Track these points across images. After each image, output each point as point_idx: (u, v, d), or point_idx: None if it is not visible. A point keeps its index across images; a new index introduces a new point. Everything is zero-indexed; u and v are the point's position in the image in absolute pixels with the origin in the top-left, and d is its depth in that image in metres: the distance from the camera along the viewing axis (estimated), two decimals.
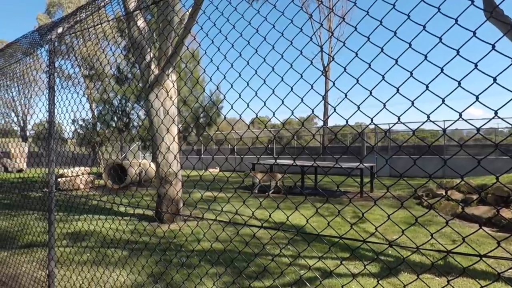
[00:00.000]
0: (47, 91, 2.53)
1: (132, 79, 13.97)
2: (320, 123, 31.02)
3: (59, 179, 12.02)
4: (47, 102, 2.48)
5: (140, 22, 6.00)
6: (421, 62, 1.13)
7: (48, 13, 33.41)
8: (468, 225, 5.94)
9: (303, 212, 6.78)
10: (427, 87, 1.10)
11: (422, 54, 1.12)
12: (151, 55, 6.05)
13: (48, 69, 2.34)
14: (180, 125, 13.97)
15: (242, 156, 17.74)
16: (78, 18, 2.40)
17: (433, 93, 1.11)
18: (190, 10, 5.75)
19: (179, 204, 6.36)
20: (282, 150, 19.56)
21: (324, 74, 25.99)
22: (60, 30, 2.32)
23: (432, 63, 1.10)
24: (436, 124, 0.99)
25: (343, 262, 4.01)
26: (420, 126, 1.54)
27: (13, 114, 39.82)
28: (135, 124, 16.24)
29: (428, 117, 1.10)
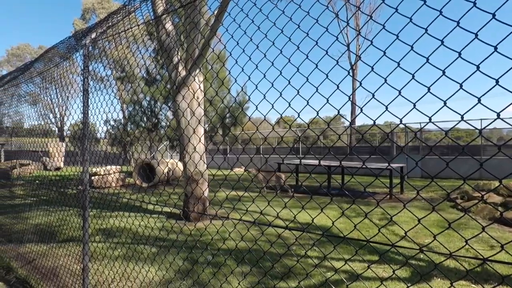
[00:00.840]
0: (82, 94, 2.67)
1: (160, 81, 14.39)
2: (348, 122, 30.40)
3: (92, 177, 12.62)
4: (82, 104, 2.61)
5: (168, 25, 6.17)
6: (455, 60, 1.07)
7: (83, 18, 35.19)
8: (508, 230, 5.58)
9: (329, 213, 6.68)
10: (461, 86, 1.05)
11: (456, 52, 1.06)
12: (178, 57, 6.19)
13: (82, 72, 2.46)
14: (206, 125, 14.21)
15: (267, 157, 17.74)
16: (110, 23, 2.51)
17: (468, 92, 1.04)
18: (215, 12, 5.83)
19: (205, 203, 6.47)
20: (307, 150, 19.37)
21: (350, 74, 25.42)
22: (93, 35, 2.43)
23: (467, 60, 1.05)
24: (471, 125, 0.94)
25: (371, 265, 3.91)
26: (453, 127, 1.48)
27: (51, 115, 42.37)
28: (163, 124, 16.71)
29: (462, 117, 1.04)
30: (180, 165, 14.57)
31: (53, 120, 42.23)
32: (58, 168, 21.34)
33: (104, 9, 33.63)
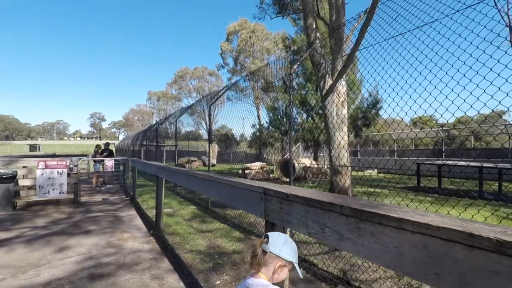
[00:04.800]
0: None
1: (297, 89, 16.13)
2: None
3: (246, 171, 15.36)
4: (290, 114, 4.11)
5: (316, 42, 7.52)
6: None
7: (228, 40, 41.51)
8: None
9: (480, 215, 6.60)
10: None
11: None
12: (326, 68, 7.45)
13: (289, 91, 3.94)
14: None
15: (406, 158, 17.16)
16: (302, 58, 3.91)
17: None
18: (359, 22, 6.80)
19: (348, 192, 7.48)
20: (452, 152, 17.62)
21: None
22: (295, 66, 3.88)
23: None
24: None
25: None
26: None
27: (203, 122, 51.45)
28: (298, 127, 18.49)
29: None
30: (314, 163, 15.97)
31: (205, 126, 51.21)
32: (213, 165, 26.26)
33: (244, 29, 38.82)
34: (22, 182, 7.73)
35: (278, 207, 1.61)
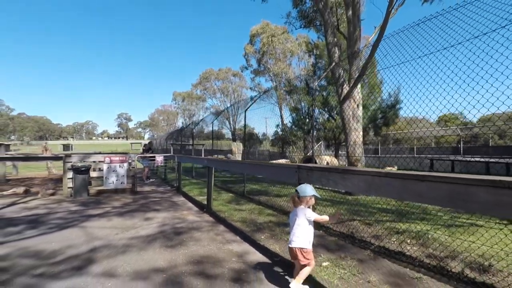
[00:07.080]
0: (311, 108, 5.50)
1: (319, 91, 17.31)
2: None
3: None
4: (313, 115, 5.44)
5: (336, 55, 8.77)
6: None
7: (251, 42, 43.06)
8: None
9: None
10: None
11: None
12: (344, 77, 8.70)
13: (312, 100, 5.26)
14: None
15: (423, 156, 17.90)
16: (323, 76, 5.24)
17: None
18: (372, 36, 8.00)
19: None
20: (468, 148, 18.21)
21: None
22: (316, 82, 5.21)
23: None
24: None
25: None
26: None
27: (227, 122, 53.33)
28: (319, 127, 19.65)
29: None
30: (335, 160, 17.12)
31: (228, 126, 53.09)
32: None
33: (265, 33, 40.17)
34: (92, 174, 9.52)
35: (306, 175, 3.00)
